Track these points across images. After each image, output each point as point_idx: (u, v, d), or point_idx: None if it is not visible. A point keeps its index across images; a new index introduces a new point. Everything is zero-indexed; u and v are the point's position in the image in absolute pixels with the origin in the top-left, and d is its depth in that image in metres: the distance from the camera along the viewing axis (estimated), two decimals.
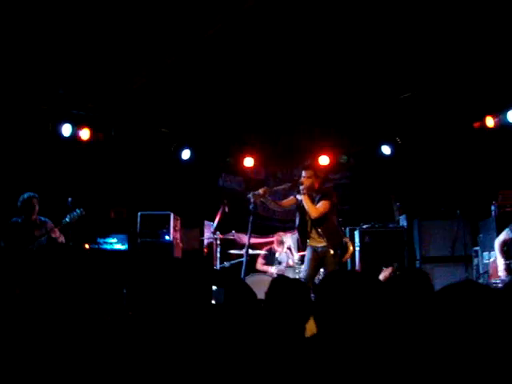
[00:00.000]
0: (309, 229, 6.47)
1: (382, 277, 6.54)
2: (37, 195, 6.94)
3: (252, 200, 6.29)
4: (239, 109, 9.25)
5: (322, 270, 6.72)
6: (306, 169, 6.48)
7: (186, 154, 9.24)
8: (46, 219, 7.01)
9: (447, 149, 8.57)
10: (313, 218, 6.34)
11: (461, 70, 7.67)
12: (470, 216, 7.54)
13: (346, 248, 6.55)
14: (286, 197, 6.82)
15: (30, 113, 7.86)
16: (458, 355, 1.55)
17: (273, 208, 7.13)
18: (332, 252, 6.39)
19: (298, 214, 6.56)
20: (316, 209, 6.31)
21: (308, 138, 9.40)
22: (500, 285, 5.51)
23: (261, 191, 6.33)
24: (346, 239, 6.61)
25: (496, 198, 7.45)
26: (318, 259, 6.42)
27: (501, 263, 5.60)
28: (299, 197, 6.40)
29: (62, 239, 6.82)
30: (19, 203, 6.86)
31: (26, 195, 6.88)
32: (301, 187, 6.33)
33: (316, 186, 6.40)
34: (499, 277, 5.64)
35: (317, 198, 6.36)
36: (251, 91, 8.81)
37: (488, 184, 7.89)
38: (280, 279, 2.94)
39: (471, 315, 1.58)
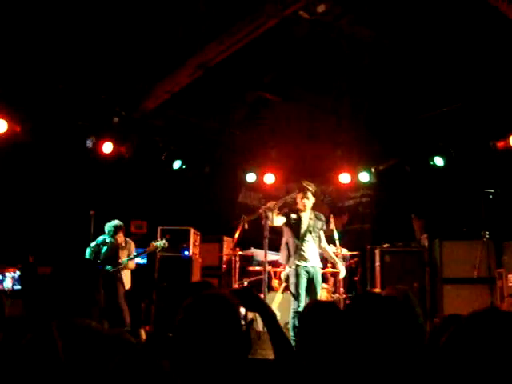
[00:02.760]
0: (302, 247, 6.41)
1: None
2: (121, 224, 7.24)
3: (264, 214, 6.22)
4: (260, 124, 9.27)
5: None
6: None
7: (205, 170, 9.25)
8: (131, 241, 7.30)
9: (469, 168, 8.45)
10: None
11: (483, 89, 7.60)
12: (494, 237, 7.40)
13: None
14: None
15: (62, 128, 7.96)
16: None
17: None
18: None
19: (289, 231, 6.51)
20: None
21: (329, 156, 9.35)
22: None
23: (270, 204, 6.27)
24: None
25: None
26: (309, 280, 6.33)
27: None
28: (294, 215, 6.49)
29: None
30: (107, 228, 7.15)
31: (113, 223, 7.15)
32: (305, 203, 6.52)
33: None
34: None
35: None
36: (283, 106, 8.84)
37: None
38: (314, 304, 2.87)
39: (496, 348, 1.48)
